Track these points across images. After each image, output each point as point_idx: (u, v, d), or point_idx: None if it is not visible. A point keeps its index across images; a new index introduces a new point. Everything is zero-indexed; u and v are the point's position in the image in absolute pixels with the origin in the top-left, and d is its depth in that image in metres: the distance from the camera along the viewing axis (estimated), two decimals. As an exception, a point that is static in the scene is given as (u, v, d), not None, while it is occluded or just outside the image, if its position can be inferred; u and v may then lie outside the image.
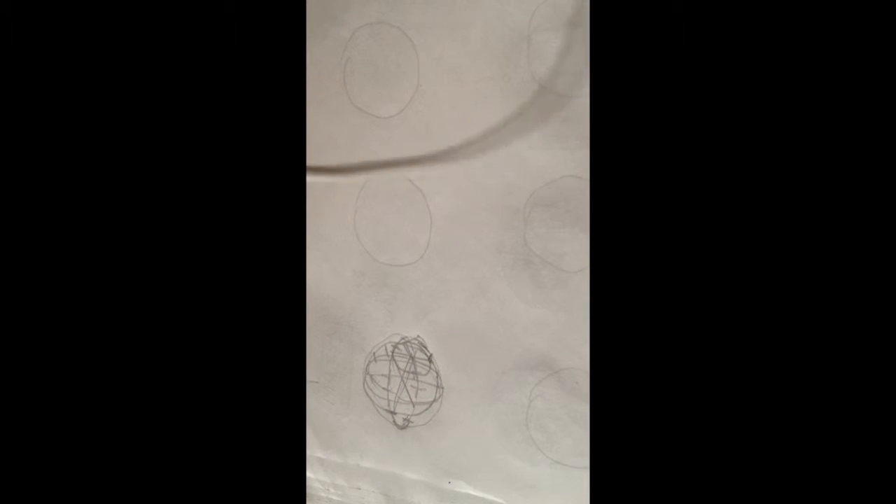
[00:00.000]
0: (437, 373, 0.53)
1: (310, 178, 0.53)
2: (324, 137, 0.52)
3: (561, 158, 0.45)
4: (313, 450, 0.59)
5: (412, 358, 0.54)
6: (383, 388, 0.55)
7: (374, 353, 0.55)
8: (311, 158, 0.53)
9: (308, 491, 0.61)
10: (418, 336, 0.53)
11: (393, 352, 0.54)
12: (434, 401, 0.54)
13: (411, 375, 0.54)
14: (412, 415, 0.55)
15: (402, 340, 0.54)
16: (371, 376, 0.56)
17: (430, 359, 0.53)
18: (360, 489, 0.59)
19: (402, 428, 0.55)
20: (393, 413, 0.56)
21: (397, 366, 0.54)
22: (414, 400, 0.54)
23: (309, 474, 0.60)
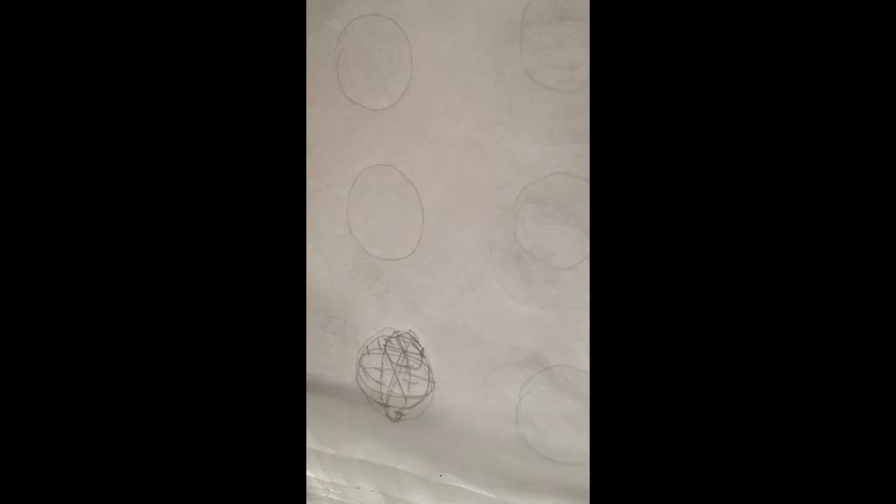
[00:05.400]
0: (429, 367, 0.53)
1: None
2: (317, 129, 0.52)
3: (552, 154, 0.45)
4: (307, 441, 0.60)
5: (404, 352, 0.54)
6: (376, 381, 0.55)
7: (366, 347, 0.55)
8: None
9: (308, 491, 0.61)
10: (410, 330, 0.53)
11: (385, 345, 0.54)
12: (426, 395, 0.54)
13: (403, 369, 0.54)
14: (404, 408, 0.55)
15: (395, 334, 0.54)
16: (364, 369, 0.56)
17: (421, 353, 0.53)
18: (359, 489, 0.59)
19: (395, 421, 0.56)
20: (386, 406, 0.56)
21: (390, 359, 0.54)
22: (406, 393, 0.54)
23: (308, 473, 0.61)
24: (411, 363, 0.54)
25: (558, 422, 0.49)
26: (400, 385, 0.55)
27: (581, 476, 0.49)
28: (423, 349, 0.53)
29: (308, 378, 0.58)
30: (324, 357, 0.57)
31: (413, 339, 0.53)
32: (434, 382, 0.53)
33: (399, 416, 0.55)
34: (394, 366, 0.54)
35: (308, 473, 0.61)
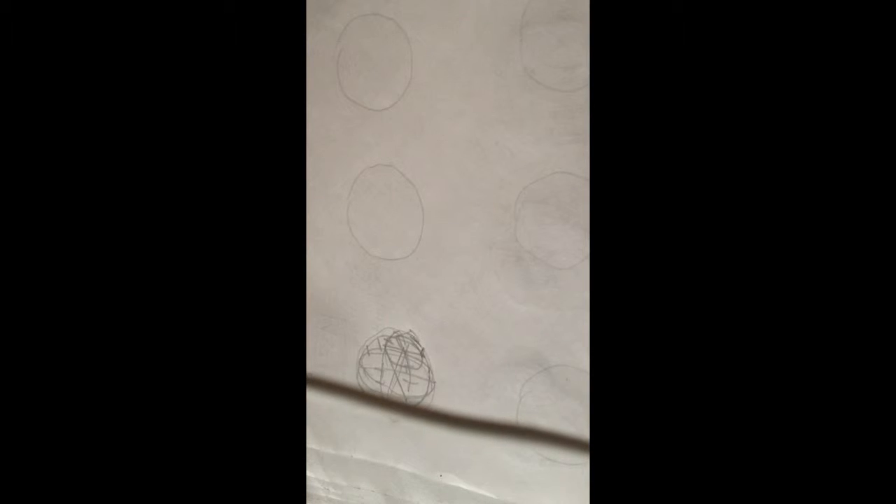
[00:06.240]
0: (429, 367, 0.53)
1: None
2: (317, 129, 0.52)
3: (552, 154, 0.45)
4: (307, 441, 0.60)
5: (404, 352, 0.54)
6: (376, 382, 0.55)
7: (367, 347, 0.55)
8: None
9: (308, 491, 0.61)
10: (410, 330, 0.53)
11: (385, 345, 0.54)
12: (426, 395, 0.54)
13: (404, 369, 0.54)
14: (405, 408, 0.55)
15: (395, 334, 0.54)
16: (364, 369, 0.56)
17: (422, 353, 0.53)
18: (359, 489, 0.59)
19: (395, 421, 0.55)
20: (386, 406, 0.56)
21: (390, 359, 0.54)
22: (406, 394, 0.54)
23: (308, 473, 0.61)
24: (411, 363, 0.54)
25: (559, 422, 0.49)
26: (400, 385, 0.55)
27: (581, 476, 0.49)
28: (423, 349, 0.53)
29: (308, 378, 0.58)
30: (324, 357, 0.57)
31: (413, 339, 0.53)
32: (434, 382, 0.53)
33: (399, 417, 0.55)
34: (394, 366, 0.54)
35: (308, 473, 0.61)
